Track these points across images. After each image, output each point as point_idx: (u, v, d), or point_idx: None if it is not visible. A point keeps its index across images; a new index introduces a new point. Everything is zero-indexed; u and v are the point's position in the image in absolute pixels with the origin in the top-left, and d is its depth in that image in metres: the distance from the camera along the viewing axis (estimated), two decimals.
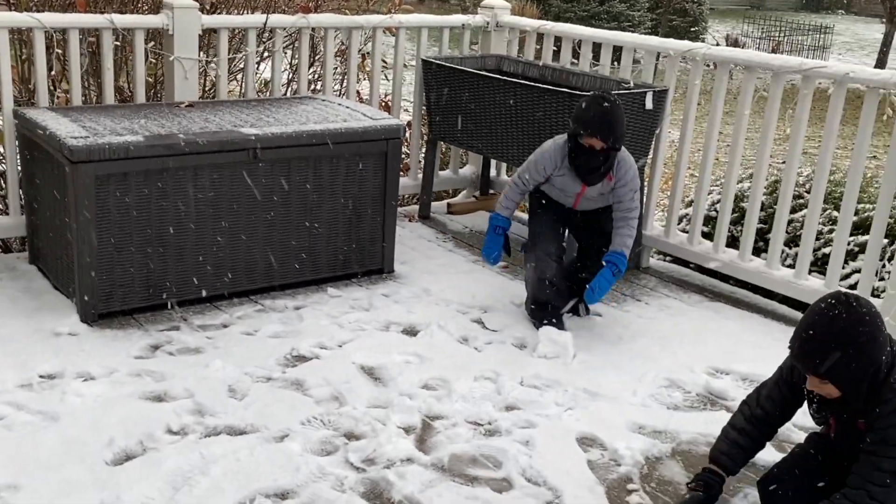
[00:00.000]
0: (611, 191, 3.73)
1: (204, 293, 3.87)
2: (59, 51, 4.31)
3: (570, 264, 3.98)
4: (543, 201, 3.90)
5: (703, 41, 19.91)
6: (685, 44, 4.41)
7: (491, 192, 5.64)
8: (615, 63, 4.79)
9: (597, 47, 4.87)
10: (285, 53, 5.17)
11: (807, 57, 19.32)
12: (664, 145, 4.67)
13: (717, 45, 19.44)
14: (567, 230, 3.93)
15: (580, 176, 3.70)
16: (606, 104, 3.53)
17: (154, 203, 3.67)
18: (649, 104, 4.27)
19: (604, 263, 3.67)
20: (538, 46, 5.28)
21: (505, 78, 4.66)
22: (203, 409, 3.03)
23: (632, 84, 4.46)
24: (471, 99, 4.75)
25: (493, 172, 5.65)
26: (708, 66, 4.50)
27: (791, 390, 2.52)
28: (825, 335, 2.22)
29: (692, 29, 19.57)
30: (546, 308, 3.85)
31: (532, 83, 4.47)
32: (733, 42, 19.41)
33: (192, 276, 3.83)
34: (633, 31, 17.52)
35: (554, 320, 3.81)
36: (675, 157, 4.67)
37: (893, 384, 2.26)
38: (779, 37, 20.14)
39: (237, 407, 3.06)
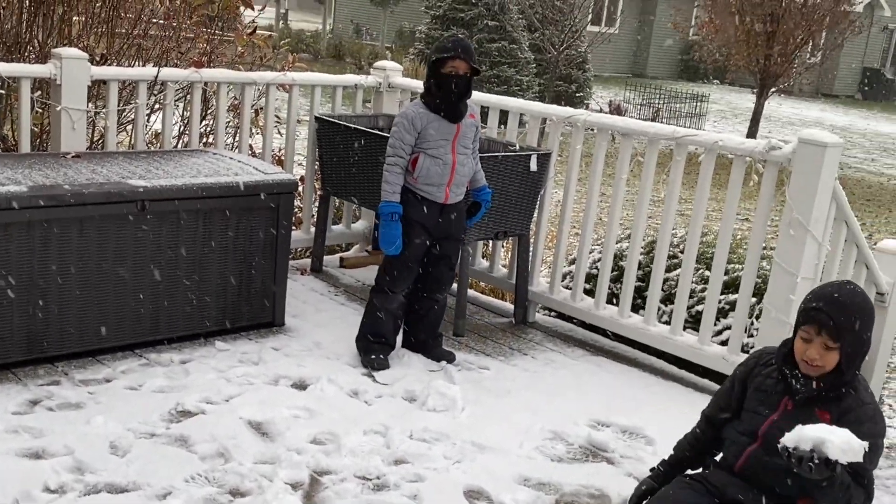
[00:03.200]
0: (475, 133, 3.96)
1: (87, 346, 3.78)
2: None
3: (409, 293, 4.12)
4: (406, 232, 3.95)
5: (587, 106, 20.71)
6: (567, 110, 4.62)
7: None
8: (502, 126, 4.97)
9: (484, 110, 5.05)
10: (177, 106, 5.16)
11: (684, 123, 20.37)
12: (549, 205, 4.85)
13: (601, 110, 20.28)
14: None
15: (448, 115, 3.85)
16: (459, 34, 3.74)
17: (37, 254, 3.58)
18: (534, 166, 4.44)
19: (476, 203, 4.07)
20: None
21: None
22: (83, 466, 2.95)
23: (517, 147, 4.64)
24: (361, 155, 4.84)
25: None
26: (590, 130, 4.72)
27: (741, 386, 2.65)
28: (851, 303, 2.43)
29: (577, 94, 20.34)
30: (383, 342, 4.01)
31: None
32: (616, 108, 20.23)
33: (75, 328, 3.74)
34: (522, 95, 18.09)
35: (382, 356, 4.00)
36: (559, 215, 4.85)
37: (861, 378, 2.50)
38: (658, 103, 21.10)
39: (119, 464, 2.99)
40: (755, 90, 18.02)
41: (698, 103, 21.08)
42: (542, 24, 18.16)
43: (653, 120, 20.43)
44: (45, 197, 3.55)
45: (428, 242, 3.99)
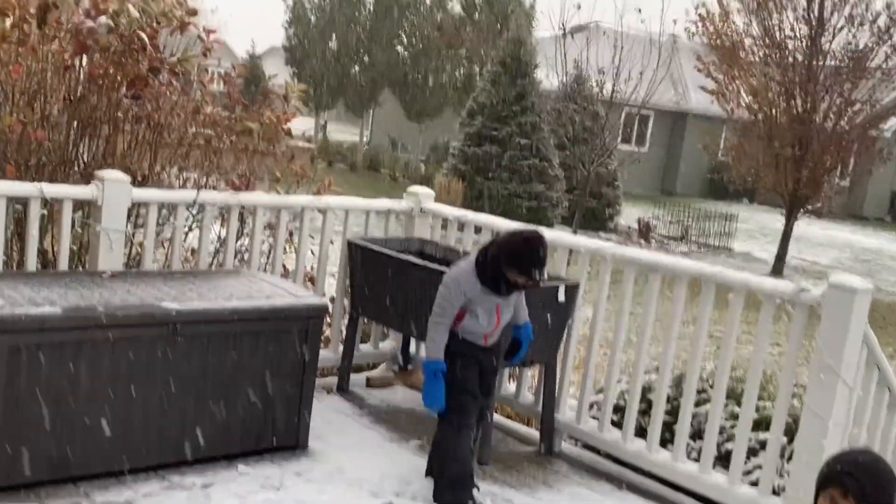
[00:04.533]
0: (521, 294, 4.00)
1: (110, 467, 3.77)
2: None
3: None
4: (458, 364, 3.95)
5: (616, 223, 20.86)
6: (595, 243, 4.66)
7: (410, 367, 5.70)
8: None
9: None
10: (214, 222, 5.27)
11: (713, 242, 20.41)
12: (575, 335, 4.84)
13: (629, 228, 20.40)
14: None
15: (500, 294, 3.87)
16: (542, 249, 3.74)
17: (67, 375, 3.62)
18: (561, 297, 4.46)
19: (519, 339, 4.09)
20: (460, 233, 5.50)
21: (423, 262, 4.83)
22: None
23: (545, 276, 4.66)
24: (392, 279, 4.89)
25: (413, 348, 5.74)
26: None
27: None
28: (881, 469, 2.40)
29: (607, 210, 20.53)
30: (471, 484, 3.91)
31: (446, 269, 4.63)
32: (645, 225, 20.35)
33: (100, 449, 3.74)
34: (552, 211, 18.30)
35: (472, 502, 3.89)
36: (588, 337, 4.83)
37: None
38: (687, 222, 21.19)
39: None
40: (784, 210, 18.09)
41: (727, 222, 21.15)
42: (573, 144, 18.50)
43: (682, 238, 20.50)
44: (78, 319, 3.61)
45: (478, 367, 4.00)
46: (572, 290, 4.58)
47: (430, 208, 5.56)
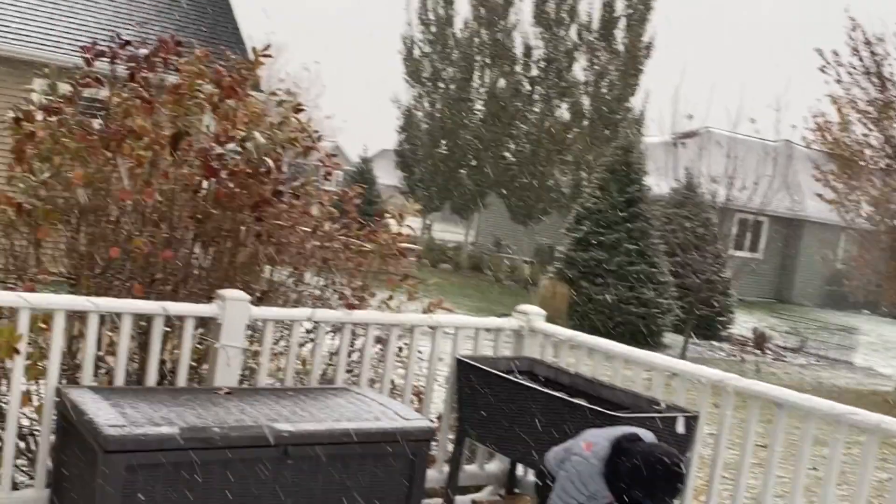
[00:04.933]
0: None
1: None
2: (110, 333, 4.47)
3: None
4: None
5: (729, 332, 20.21)
6: (717, 373, 4.48)
7: (516, 490, 5.54)
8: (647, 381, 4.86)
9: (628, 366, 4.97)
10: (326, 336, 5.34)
11: (833, 355, 19.50)
12: (693, 469, 4.62)
13: (743, 337, 19.72)
14: None
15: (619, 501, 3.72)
16: (681, 484, 3.61)
17: (182, 494, 3.65)
18: (681, 429, 4.28)
19: None
20: (572, 359, 5.39)
21: (536, 387, 4.74)
22: None
23: (663, 405, 4.50)
24: (501, 401, 4.81)
25: (520, 471, 5.59)
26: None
27: None
28: None
29: (719, 319, 19.94)
30: None
31: (562, 395, 4.53)
32: (760, 335, 19.64)
33: None
34: (661, 319, 17.89)
35: None
36: (708, 480, 4.59)
37: None
38: (805, 332, 20.39)
39: None
40: None
41: (847, 334, 20.24)
42: (684, 250, 18.19)
43: (799, 350, 19.68)
44: (195, 440, 3.65)
45: None
46: (692, 420, 4.39)
47: (539, 328, 5.48)
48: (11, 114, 4.52)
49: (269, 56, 4.93)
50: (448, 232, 41.70)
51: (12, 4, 15.02)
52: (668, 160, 17.36)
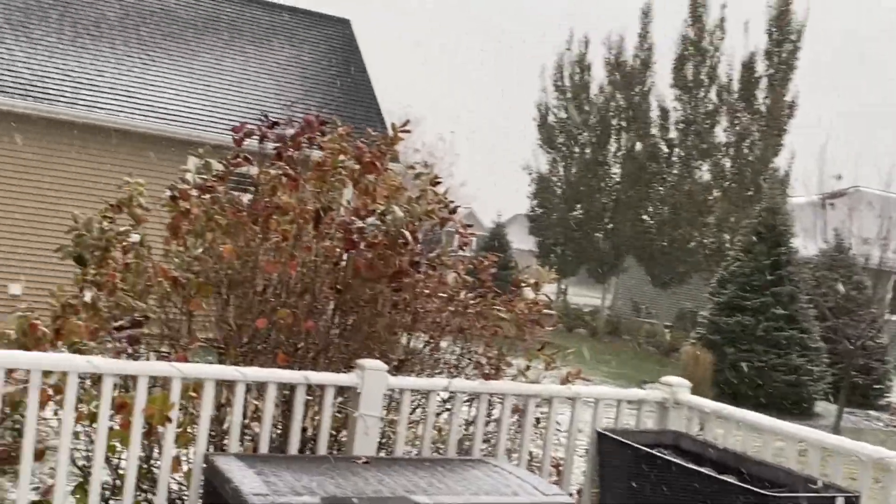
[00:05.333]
0: None
1: None
2: (255, 401, 4.61)
3: None
4: None
5: (888, 400, 18.98)
6: (879, 450, 4.19)
7: None
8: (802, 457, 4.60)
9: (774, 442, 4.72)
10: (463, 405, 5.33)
11: None
12: None
13: None
14: None
15: None
16: None
17: None
18: None
19: None
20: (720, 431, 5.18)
21: (681, 462, 4.55)
22: None
23: (820, 484, 4.24)
24: (644, 477, 4.64)
25: None
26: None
27: None
28: None
29: (875, 387, 18.79)
30: None
31: (710, 472, 4.33)
32: None
33: None
34: (812, 386, 17.00)
35: None
36: None
37: None
38: None
39: None
40: None
41: None
42: (836, 315, 17.30)
43: None
44: None
45: None
46: (852, 501, 4.11)
47: (684, 400, 5.30)
48: (168, 192, 4.79)
49: (408, 131, 5.07)
50: (584, 296, 41.24)
51: (171, 87, 16.09)
52: (816, 221, 16.67)
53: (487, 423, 5.45)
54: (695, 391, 5.41)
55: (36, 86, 14.67)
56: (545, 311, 5.58)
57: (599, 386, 5.35)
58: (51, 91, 14.74)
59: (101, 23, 16.59)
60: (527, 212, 33.03)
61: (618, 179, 29.64)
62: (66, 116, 14.60)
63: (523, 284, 5.23)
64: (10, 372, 4.21)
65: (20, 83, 14.57)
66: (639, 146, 29.02)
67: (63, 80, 15.05)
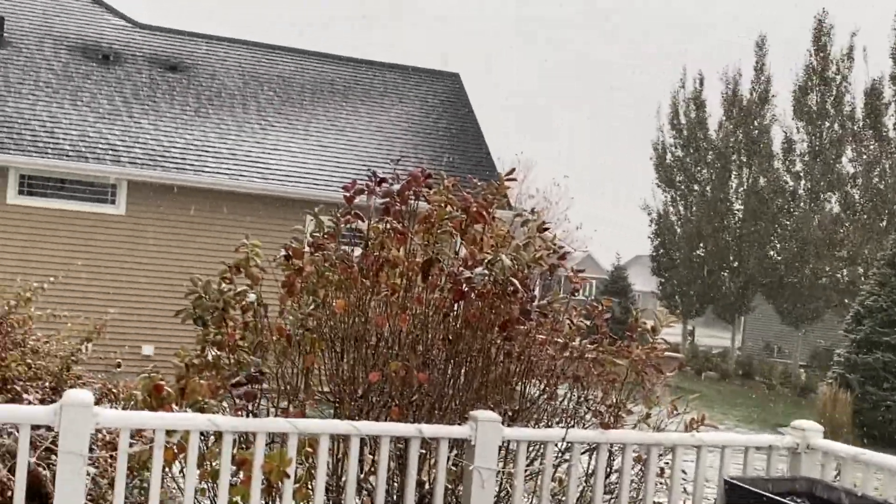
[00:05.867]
0: None
1: None
2: (371, 455, 4.61)
3: None
4: None
5: None
6: None
7: None
8: None
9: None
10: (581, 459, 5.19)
11: None
12: None
13: None
14: None
15: None
16: None
17: None
18: None
19: None
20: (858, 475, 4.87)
21: None
22: None
23: None
24: None
25: None
26: None
27: None
28: None
29: None
30: None
31: None
32: None
33: None
34: None
35: None
36: None
37: None
38: None
39: None
40: None
41: None
42: None
43: None
44: None
45: None
46: None
47: (818, 445, 5.01)
48: (283, 252, 4.91)
49: (513, 179, 5.05)
50: (712, 337, 39.99)
51: (287, 149, 16.66)
52: None
53: (609, 475, 5.29)
54: (834, 434, 5.13)
55: (164, 156, 15.45)
56: (669, 354, 5.41)
57: (725, 432, 5.12)
58: (177, 160, 15.49)
59: (222, 92, 17.38)
60: (648, 252, 32.43)
61: (740, 216, 28.80)
62: (192, 183, 15.29)
63: (640, 329, 5.08)
64: (138, 432, 4.37)
65: (149, 154, 15.37)
66: (762, 181, 28.18)
67: (187, 148, 15.79)
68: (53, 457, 6.23)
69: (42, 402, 6.43)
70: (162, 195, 15.25)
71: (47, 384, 7.15)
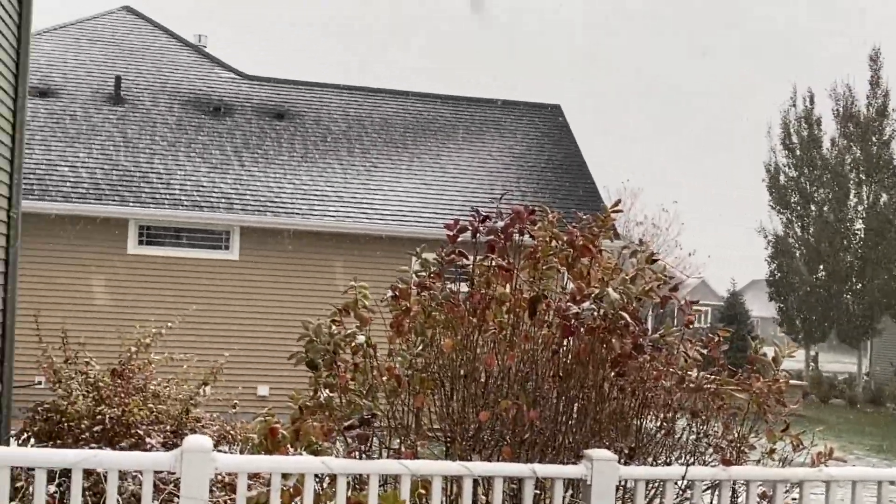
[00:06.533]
0: None
1: None
2: (484, 496, 4.55)
3: None
4: None
5: None
6: None
7: None
8: None
9: None
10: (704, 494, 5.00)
11: None
12: None
13: None
14: None
15: None
16: None
17: None
18: None
19: None
20: None
21: None
22: None
23: None
24: None
25: None
26: None
27: None
28: None
29: None
30: None
31: None
32: None
33: None
34: None
35: None
36: None
37: None
38: None
39: None
40: None
41: None
42: None
43: None
44: None
45: None
46: None
47: None
48: (389, 293, 4.94)
49: (619, 211, 4.95)
50: (836, 362, 38.32)
51: (392, 189, 16.90)
52: None
53: None
54: None
55: (273, 202, 15.89)
56: (793, 382, 5.18)
57: (856, 467, 4.84)
58: (287, 205, 15.91)
59: (327, 137, 17.81)
60: (765, 277, 31.35)
61: (862, 235, 27.61)
62: (301, 227, 15.66)
63: (760, 361, 4.88)
64: (254, 475, 4.44)
65: (259, 200, 15.84)
66: (884, 198, 27.00)
67: (295, 193, 16.21)
68: (176, 499, 6.39)
69: (164, 445, 6.62)
70: (273, 239, 15.67)
71: (168, 428, 7.37)
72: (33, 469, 4.02)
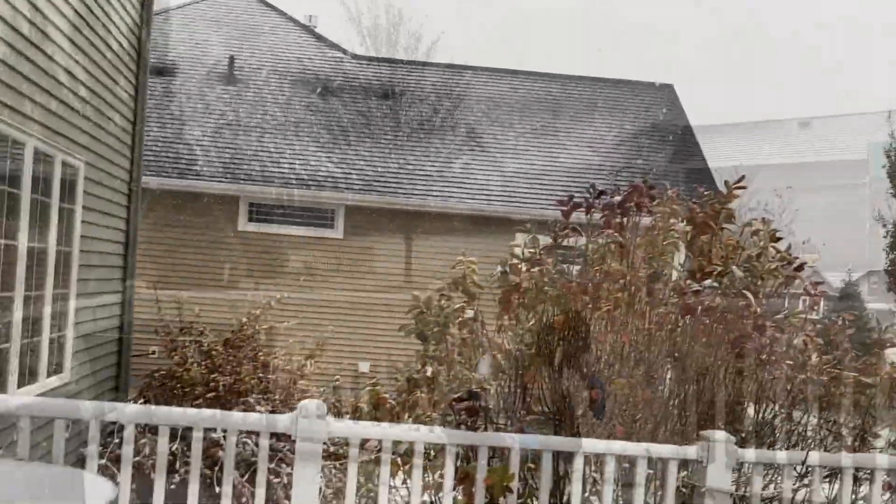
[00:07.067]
0: None
1: None
2: (594, 475, 4.47)
3: None
4: None
5: None
6: None
7: None
8: None
9: None
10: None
11: None
12: None
13: None
14: None
15: None
16: None
17: None
18: None
19: None
20: None
21: None
22: None
23: None
24: None
25: None
26: None
27: None
28: None
29: None
30: None
31: None
32: None
33: None
34: None
35: None
36: None
37: None
38: None
39: None
40: None
41: None
42: None
43: None
44: None
45: None
46: None
47: None
48: (499, 268, 4.89)
49: (743, 187, 4.77)
50: None
51: (496, 169, 16.82)
52: None
53: (855, 503, 4.86)
54: None
55: (378, 181, 16.02)
56: None
57: None
58: (391, 184, 16.02)
59: (432, 117, 17.83)
60: (884, 267, 29.91)
61: None
62: (404, 206, 15.76)
63: (889, 345, 4.64)
64: (364, 442, 4.48)
65: (364, 179, 16.01)
66: None
67: (399, 173, 16.29)
68: (282, 466, 6.52)
69: (272, 413, 6.77)
70: (376, 218, 15.82)
71: (276, 397, 7.54)
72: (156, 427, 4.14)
